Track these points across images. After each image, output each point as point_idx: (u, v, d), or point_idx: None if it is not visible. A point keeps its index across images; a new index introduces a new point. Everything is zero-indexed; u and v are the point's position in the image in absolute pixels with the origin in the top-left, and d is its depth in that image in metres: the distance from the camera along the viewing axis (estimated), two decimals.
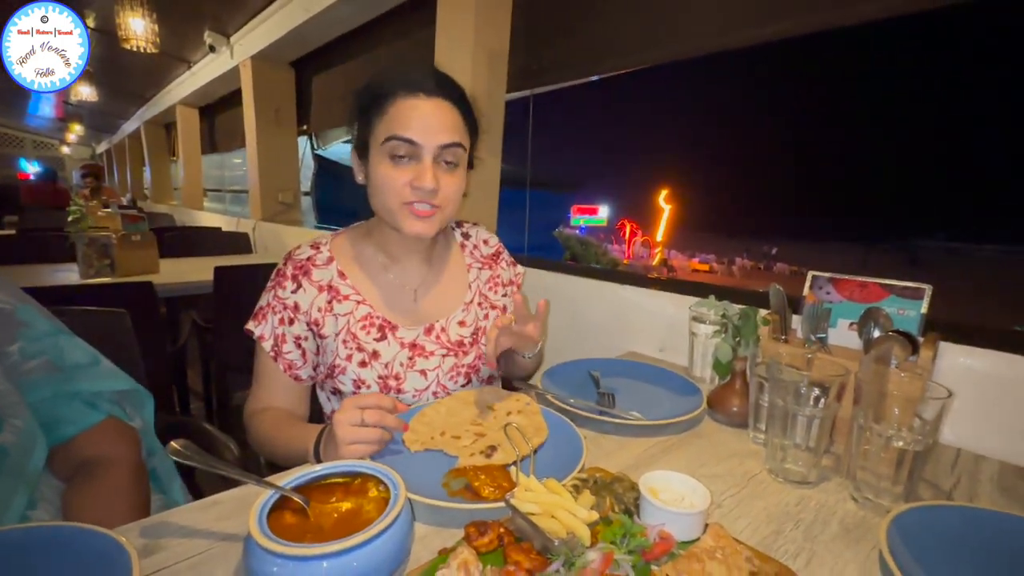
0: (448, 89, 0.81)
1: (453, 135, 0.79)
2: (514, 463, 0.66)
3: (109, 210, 2.43)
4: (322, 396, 0.95)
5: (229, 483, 0.65)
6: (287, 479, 0.55)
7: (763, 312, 0.95)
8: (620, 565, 0.49)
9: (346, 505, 0.55)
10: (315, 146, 3.94)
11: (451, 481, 0.67)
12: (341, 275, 0.88)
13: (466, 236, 1.03)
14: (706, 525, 0.55)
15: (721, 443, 0.82)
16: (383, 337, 0.88)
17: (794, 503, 0.66)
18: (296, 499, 0.53)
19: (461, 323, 0.94)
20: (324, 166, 4.14)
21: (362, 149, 0.84)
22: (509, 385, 1.05)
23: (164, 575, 0.50)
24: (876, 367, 0.72)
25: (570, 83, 1.84)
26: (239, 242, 3.27)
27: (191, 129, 5.84)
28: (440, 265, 0.97)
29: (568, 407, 0.87)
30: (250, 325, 0.86)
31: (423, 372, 0.89)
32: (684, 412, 0.86)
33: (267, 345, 0.85)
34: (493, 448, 0.72)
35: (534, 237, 2.31)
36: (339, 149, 3.96)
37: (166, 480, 0.88)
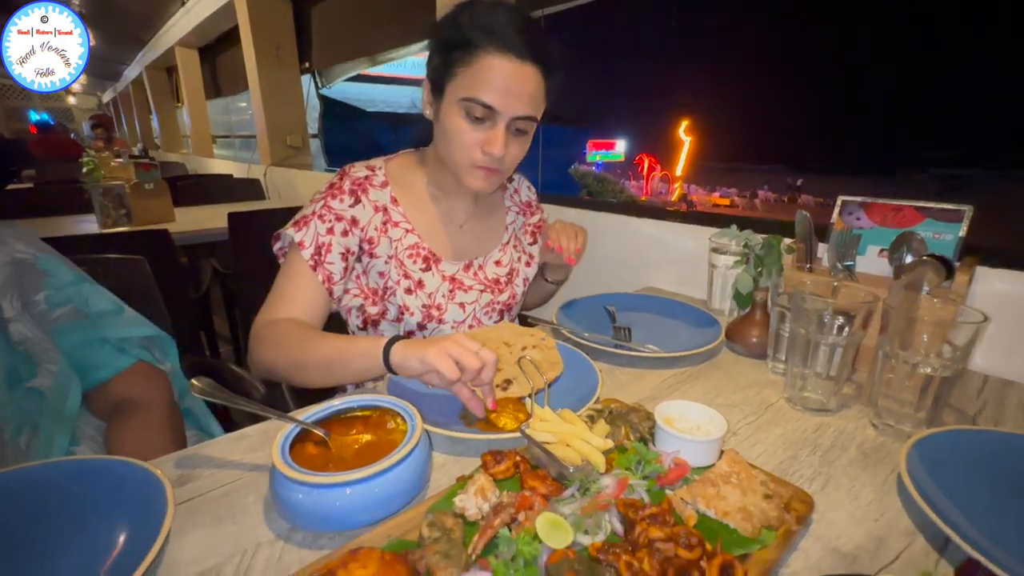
0: (540, 54, 0.76)
1: (530, 107, 0.77)
2: (529, 395, 0.66)
3: (121, 160, 2.42)
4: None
5: (257, 419, 0.68)
6: (307, 414, 0.57)
7: (787, 241, 0.91)
8: (634, 490, 0.50)
9: (366, 437, 0.57)
10: (319, 84, 3.80)
11: (468, 413, 0.68)
12: (394, 201, 0.88)
13: (509, 180, 1.06)
14: (722, 452, 0.55)
15: (739, 374, 0.82)
16: (428, 268, 0.89)
17: (812, 430, 0.66)
18: (317, 432, 0.54)
19: (497, 263, 0.98)
20: (330, 106, 4.02)
21: (437, 85, 0.79)
22: (525, 321, 1.05)
23: (199, 502, 0.53)
24: (906, 293, 0.69)
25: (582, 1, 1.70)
26: (251, 188, 3.25)
27: (192, 72, 5.67)
28: (485, 204, 0.99)
29: (584, 341, 0.86)
30: (289, 230, 0.81)
31: (462, 305, 0.91)
32: (702, 344, 0.85)
33: (306, 253, 0.80)
34: (509, 381, 0.73)
35: (549, 175, 2.23)
36: (344, 88, 3.81)
37: (202, 418, 0.92)
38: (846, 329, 0.67)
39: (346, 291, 0.88)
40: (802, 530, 0.48)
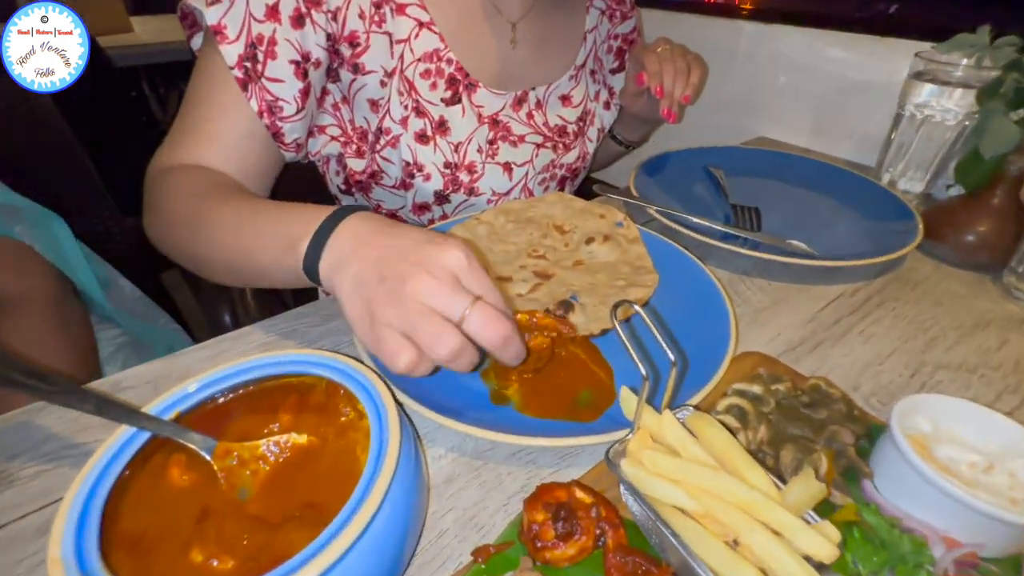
0: None
1: None
2: (645, 381, 0.26)
3: None
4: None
5: (218, 329, 0.42)
6: (196, 382, 0.28)
7: None
8: None
9: (296, 440, 0.29)
10: None
11: (492, 370, 0.39)
12: None
13: None
14: None
15: (950, 298, 0.49)
16: (455, 99, 0.54)
17: None
18: (187, 444, 0.26)
19: (565, 99, 0.63)
20: None
21: None
22: (587, 191, 0.69)
23: None
24: None
25: None
26: None
27: None
28: None
29: (691, 233, 0.52)
30: (194, 0, 0.44)
31: (508, 167, 0.58)
32: (893, 246, 0.50)
33: (230, 52, 0.43)
34: (568, 305, 0.42)
35: None
36: None
37: (124, 313, 0.67)
38: None
39: (318, 129, 0.53)
40: None
